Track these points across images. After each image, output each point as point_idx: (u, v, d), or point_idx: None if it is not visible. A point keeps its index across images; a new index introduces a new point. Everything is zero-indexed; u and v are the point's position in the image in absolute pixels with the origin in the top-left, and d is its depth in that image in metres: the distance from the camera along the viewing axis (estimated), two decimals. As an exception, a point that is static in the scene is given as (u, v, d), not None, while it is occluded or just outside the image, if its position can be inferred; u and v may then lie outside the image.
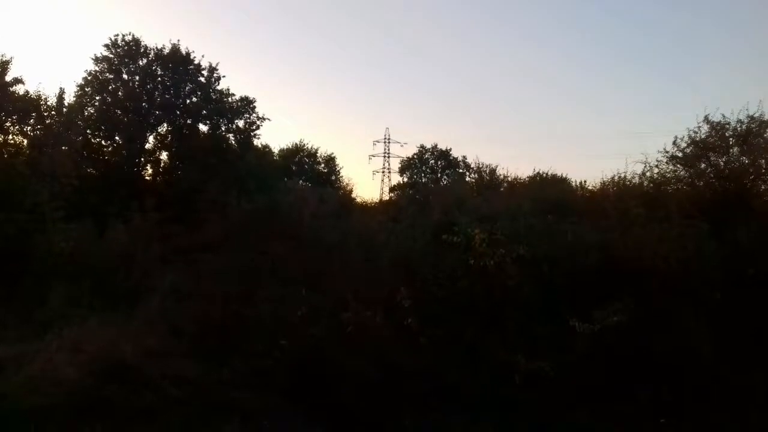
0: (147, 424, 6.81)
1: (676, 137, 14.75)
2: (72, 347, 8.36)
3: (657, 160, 15.13)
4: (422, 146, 47.47)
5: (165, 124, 23.54)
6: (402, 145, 53.10)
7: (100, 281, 12.24)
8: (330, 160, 40.70)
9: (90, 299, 11.21)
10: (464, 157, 44.70)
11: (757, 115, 13.85)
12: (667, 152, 14.93)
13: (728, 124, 14.04)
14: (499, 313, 10.01)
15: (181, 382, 7.85)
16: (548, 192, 18.03)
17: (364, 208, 30.17)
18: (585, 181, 20.68)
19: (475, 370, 8.72)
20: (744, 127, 13.85)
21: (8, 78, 15.39)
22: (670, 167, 15.03)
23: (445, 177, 44.43)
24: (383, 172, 53.96)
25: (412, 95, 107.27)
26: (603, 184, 17.70)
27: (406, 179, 46.91)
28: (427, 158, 47.11)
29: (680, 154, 14.69)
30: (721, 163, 14.15)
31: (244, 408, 7.37)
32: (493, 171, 25.68)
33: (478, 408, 7.82)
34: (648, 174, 15.30)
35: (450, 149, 46.15)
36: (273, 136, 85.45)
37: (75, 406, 6.85)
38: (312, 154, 39.91)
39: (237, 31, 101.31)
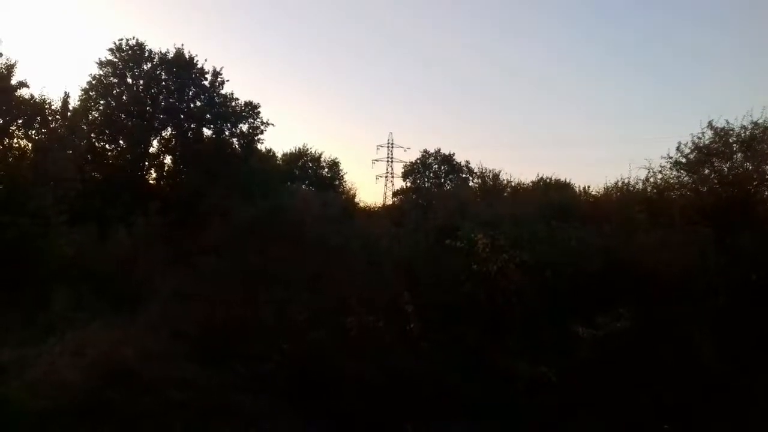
0: (149, 427, 6.82)
1: (679, 143, 14.73)
2: (75, 351, 8.38)
3: (660, 166, 15.12)
4: (425, 151, 47.40)
5: (169, 129, 23.57)
6: (405, 150, 53.22)
7: (103, 285, 12.26)
8: (333, 165, 40.72)
9: (93, 303, 11.22)
10: (467, 162, 44.63)
11: (761, 121, 13.80)
12: (670, 158, 14.90)
13: (732, 130, 13.99)
14: (502, 319, 9.99)
15: (183, 385, 7.86)
16: (552, 197, 18.02)
17: (368, 212, 30.16)
18: (588, 187, 20.64)
19: (477, 375, 8.70)
20: (748, 133, 13.81)
21: (13, 82, 15.42)
22: (674, 173, 15.01)
23: (448, 182, 44.35)
24: (386, 176, 53.85)
25: (415, 100, 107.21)
26: (606, 189, 17.71)
27: (409, 184, 46.82)
28: (431, 163, 46.99)
29: (684, 160, 14.65)
30: (725, 169, 14.11)
31: (245, 411, 7.37)
32: (496, 176, 25.63)
33: (480, 413, 7.80)
34: (651, 180, 15.29)
35: (453, 154, 46.04)
36: (277, 141, 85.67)
37: (77, 410, 6.86)
38: (315, 159, 39.93)
39: (241, 34, 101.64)
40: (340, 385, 7.96)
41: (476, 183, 29.45)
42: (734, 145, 14.05)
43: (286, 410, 7.52)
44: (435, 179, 46.09)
